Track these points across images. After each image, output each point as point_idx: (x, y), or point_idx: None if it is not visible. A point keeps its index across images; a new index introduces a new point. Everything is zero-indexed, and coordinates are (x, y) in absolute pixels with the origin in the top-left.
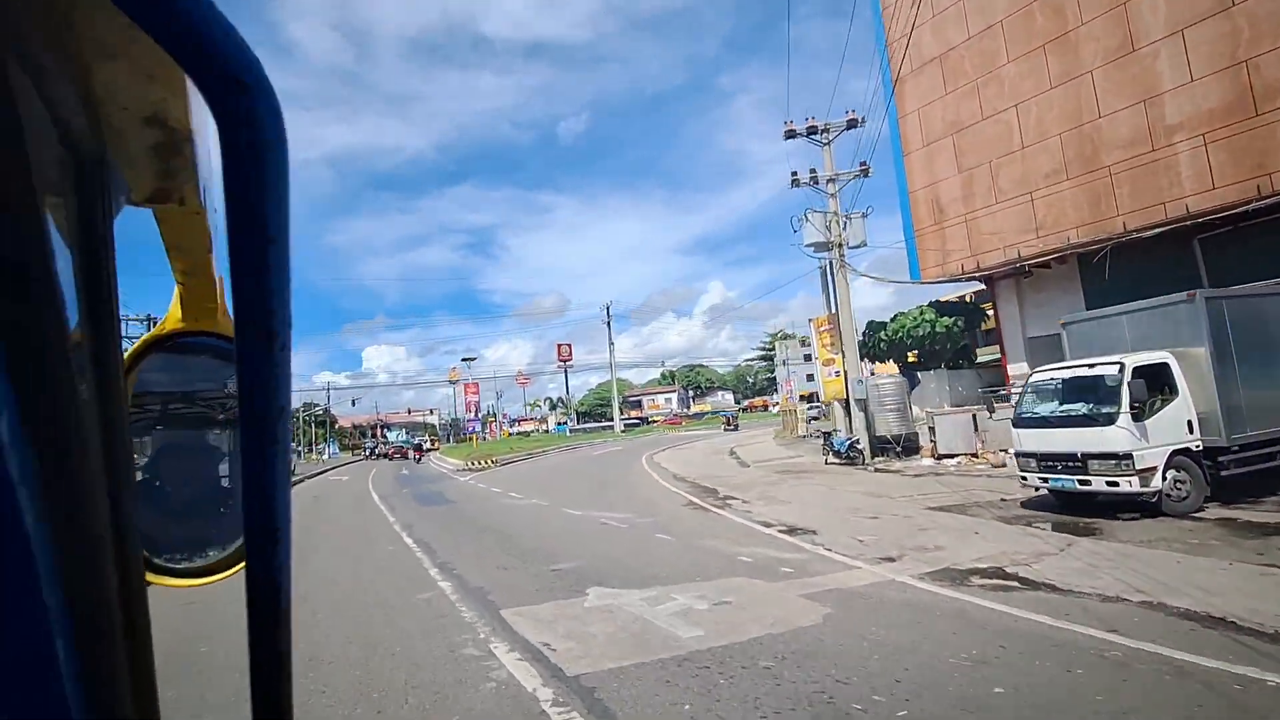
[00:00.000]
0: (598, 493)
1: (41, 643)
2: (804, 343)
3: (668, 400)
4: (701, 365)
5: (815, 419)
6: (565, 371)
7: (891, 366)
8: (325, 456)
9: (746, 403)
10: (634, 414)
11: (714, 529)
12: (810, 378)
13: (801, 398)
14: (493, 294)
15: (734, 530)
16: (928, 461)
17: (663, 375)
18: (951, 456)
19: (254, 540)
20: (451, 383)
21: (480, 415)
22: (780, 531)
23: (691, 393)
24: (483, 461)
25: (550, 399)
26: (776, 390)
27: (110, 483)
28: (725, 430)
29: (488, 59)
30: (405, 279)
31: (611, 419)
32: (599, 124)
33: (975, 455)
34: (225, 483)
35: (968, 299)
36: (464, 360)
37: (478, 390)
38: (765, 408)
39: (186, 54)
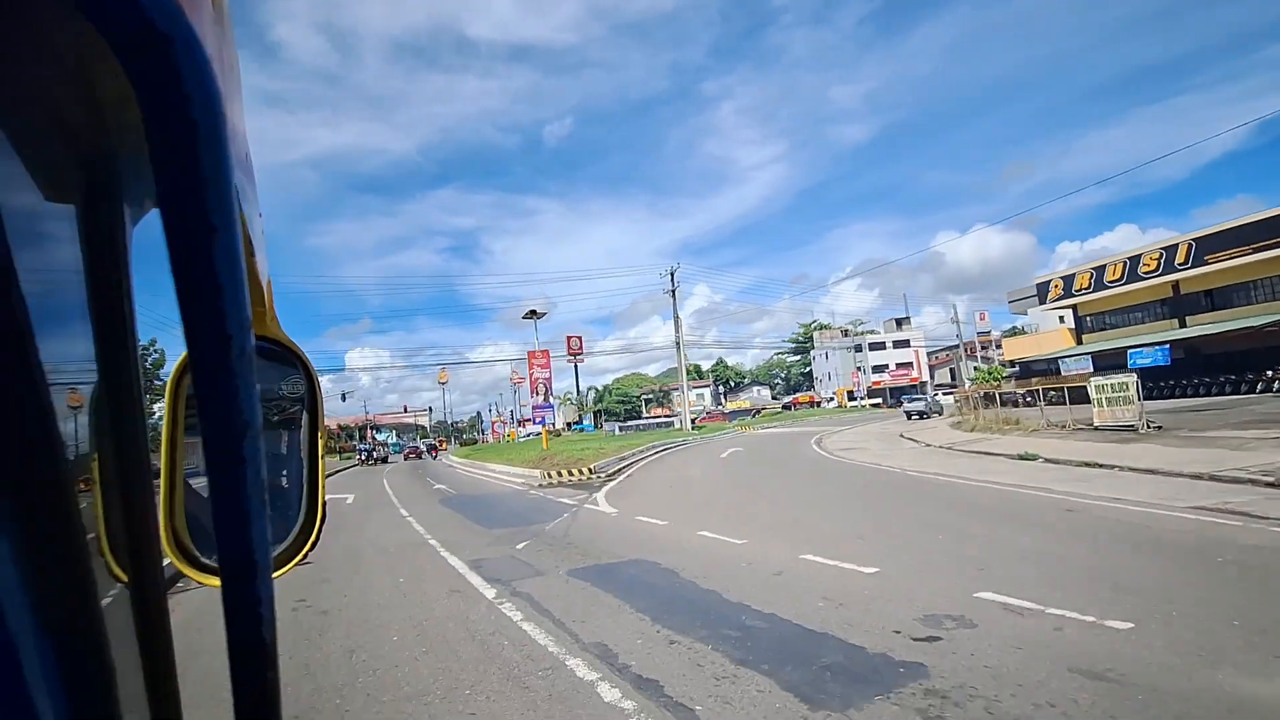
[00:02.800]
0: None
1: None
2: (846, 333)
3: (699, 397)
4: (722, 362)
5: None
6: (576, 367)
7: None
8: None
9: (791, 398)
10: (659, 411)
11: None
12: (862, 369)
13: (871, 390)
14: (476, 296)
15: None
16: None
17: (688, 370)
18: None
19: (229, 572)
20: (441, 383)
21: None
22: None
23: (722, 389)
24: (578, 471)
25: (595, 389)
26: (813, 385)
27: (127, 490)
28: (911, 420)
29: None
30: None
31: (640, 415)
32: (583, 128)
33: None
34: (284, 482)
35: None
36: (527, 316)
37: (548, 361)
38: (813, 403)
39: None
